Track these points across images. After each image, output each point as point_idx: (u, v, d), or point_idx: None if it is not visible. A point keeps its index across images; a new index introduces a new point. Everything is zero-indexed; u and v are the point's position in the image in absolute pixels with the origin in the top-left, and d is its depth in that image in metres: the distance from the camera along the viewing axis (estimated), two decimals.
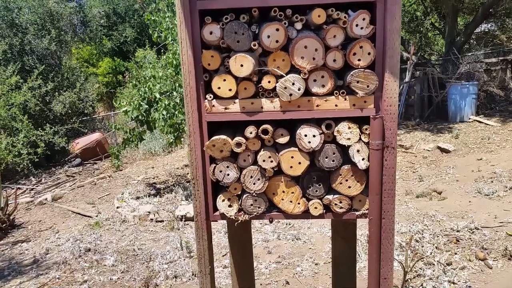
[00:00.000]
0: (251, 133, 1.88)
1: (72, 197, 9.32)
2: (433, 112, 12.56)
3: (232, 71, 1.79)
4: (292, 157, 1.91)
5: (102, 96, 21.09)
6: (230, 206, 2.02)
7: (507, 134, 9.92)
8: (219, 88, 1.84)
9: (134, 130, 7.40)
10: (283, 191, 1.98)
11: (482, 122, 11.17)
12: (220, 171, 1.95)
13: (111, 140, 14.99)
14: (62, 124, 12.45)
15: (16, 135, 10.83)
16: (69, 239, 6.37)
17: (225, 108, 1.89)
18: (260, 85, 1.86)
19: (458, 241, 4.88)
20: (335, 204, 1.98)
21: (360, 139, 1.89)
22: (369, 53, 1.78)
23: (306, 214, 2.00)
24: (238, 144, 1.90)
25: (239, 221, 2.01)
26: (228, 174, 1.95)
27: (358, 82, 1.81)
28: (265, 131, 1.89)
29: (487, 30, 17.43)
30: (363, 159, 1.89)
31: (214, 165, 1.94)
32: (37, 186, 10.65)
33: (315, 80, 1.83)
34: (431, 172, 8.27)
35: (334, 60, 1.81)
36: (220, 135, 1.89)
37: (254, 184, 1.95)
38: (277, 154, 1.92)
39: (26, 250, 6.29)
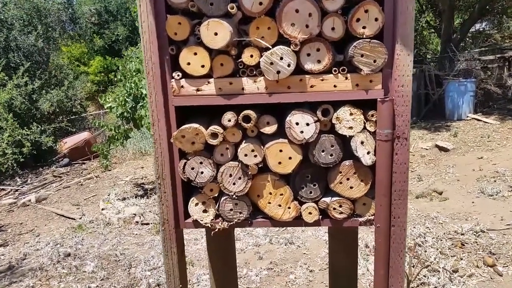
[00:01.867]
0: (229, 120, 1.51)
1: (57, 198, 8.95)
2: (430, 110, 12.27)
3: (205, 42, 1.42)
4: (280, 150, 1.54)
5: (94, 95, 20.67)
6: (205, 211, 1.65)
7: (507, 132, 9.65)
8: (188, 64, 1.47)
9: (119, 128, 7.00)
10: (270, 193, 1.61)
11: (481, 120, 10.90)
12: (192, 169, 1.57)
13: (101, 139, 14.58)
14: (49, 123, 12.04)
15: (1, 134, 10.43)
16: (49, 243, 6.01)
17: (197, 90, 1.52)
18: (240, 60, 1.49)
19: (464, 245, 4.54)
20: (334, 209, 1.62)
21: (364, 128, 1.53)
22: (376, 19, 1.42)
23: (298, 221, 1.63)
24: (214, 135, 1.53)
25: (217, 230, 1.64)
26: (201, 172, 1.58)
27: (362, 56, 1.45)
28: (247, 119, 1.52)
29: (481, 29, 17.31)
30: (368, 153, 1.53)
31: (185, 161, 1.57)
32: (22, 187, 10.24)
33: (308, 54, 1.47)
34: (430, 172, 7.95)
35: (333, 29, 1.44)
36: (191, 124, 1.52)
37: (234, 184, 1.58)
38: (262, 147, 1.55)
39: (2, 255, 5.92)
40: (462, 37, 14.18)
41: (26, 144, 10.56)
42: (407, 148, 1.51)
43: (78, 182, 10.06)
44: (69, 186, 9.81)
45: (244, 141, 1.56)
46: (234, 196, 1.58)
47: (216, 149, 1.57)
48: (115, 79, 7.01)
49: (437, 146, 9.23)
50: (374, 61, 1.46)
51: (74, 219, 7.17)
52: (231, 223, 1.63)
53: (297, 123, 1.51)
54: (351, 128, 1.52)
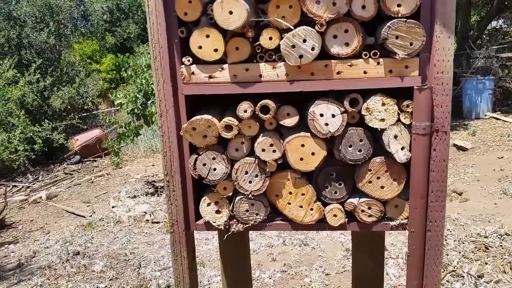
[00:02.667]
0: (245, 111, 1.35)
1: (67, 195, 8.92)
2: None
3: (218, 22, 1.25)
4: (302, 145, 1.37)
5: (105, 93, 20.72)
6: (218, 212, 1.49)
7: None
8: (200, 47, 1.31)
9: (130, 125, 6.90)
10: (290, 193, 1.44)
11: (500, 119, 10.56)
12: (204, 165, 1.42)
13: (112, 137, 14.57)
14: (61, 120, 12.04)
15: (13, 131, 10.45)
16: (58, 240, 5.96)
17: (209, 77, 1.36)
18: (257, 43, 1.32)
19: (488, 248, 4.31)
20: (362, 211, 1.44)
21: (398, 120, 1.35)
22: None
23: (321, 224, 1.46)
24: (228, 127, 1.37)
25: (230, 233, 1.48)
26: (214, 169, 1.42)
27: (397, 38, 1.27)
28: (265, 109, 1.36)
29: (498, 26, 16.90)
30: (402, 149, 1.35)
31: (196, 156, 1.42)
32: (33, 184, 10.25)
33: (335, 36, 1.29)
34: (448, 171, 7.68)
35: (363, 7, 1.27)
36: (202, 115, 1.36)
37: (250, 182, 1.42)
38: (281, 141, 1.38)
39: (12, 252, 5.89)
40: (479, 34, 13.81)
41: (37, 141, 10.56)
42: (447, 144, 1.33)
43: (89, 180, 10.03)
44: (80, 184, 9.78)
45: (261, 134, 1.39)
46: (250, 195, 1.42)
47: (230, 144, 1.41)
48: (126, 75, 6.90)
49: (455, 145, 8.94)
50: (411, 44, 1.28)
51: (84, 216, 7.12)
52: (247, 225, 1.47)
53: (321, 115, 1.34)
54: (383, 120, 1.34)
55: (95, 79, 17.39)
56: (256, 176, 1.42)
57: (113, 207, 7.43)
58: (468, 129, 9.97)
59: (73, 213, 7.49)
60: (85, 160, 12.51)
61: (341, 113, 1.34)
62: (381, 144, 1.39)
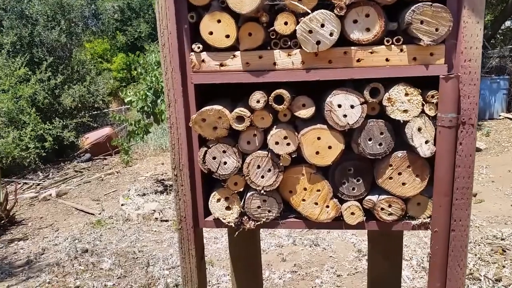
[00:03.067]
0: (258, 101, 1.27)
1: (77, 193, 8.94)
2: None
3: (231, 6, 1.18)
4: (318, 138, 1.29)
5: (116, 92, 20.80)
6: (228, 208, 1.41)
7: None
8: (211, 33, 1.24)
9: (139, 122, 6.86)
10: (305, 189, 1.36)
11: None
12: (214, 158, 1.34)
13: (122, 135, 14.61)
14: (71, 118, 12.09)
15: (24, 128, 10.51)
16: (67, 238, 5.95)
17: (221, 65, 1.28)
18: (272, 29, 1.24)
19: (505, 251, 4.17)
20: (382, 209, 1.35)
21: (422, 111, 1.26)
22: None
23: (337, 223, 1.38)
24: (240, 119, 1.29)
25: (241, 230, 1.41)
26: (224, 163, 1.34)
27: (422, 22, 1.18)
28: (279, 99, 1.28)
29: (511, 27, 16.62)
30: (426, 142, 1.26)
31: (205, 149, 1.34)
32: (43, 182, 10.30)
33: (355, 21, 1.21)
34: None
35: None
36: (213, 106, 1.29)
37: (262, 177, 1.34)
38: (296, 134, 1.30)
39: (22, 249, 5.90)
40: (493, 34, 13.54)
41: (48, 139, 10.60)
42: (474, 137, 1.24)
43: (98, 178, 10.04)
44: (90, 181, 9.80)
45: (275, 126, 1.31)
46: (262, 191, 1.34)
47: (242, 136, 1.33)
48: (136, 73, 6.87)
49: None
50: (436, 30, 1.19)
51: (93, 214, 7.11)
52: (259, 222, 1.39)
53: (339, 105, 1.26)
54: (405, 111, 1.25)
55: (106, 78, 17.48)
56: (269, 170, 1.34)
57: (122, 205, 7.41)
58: (482, 130, 9.77)
59: (82, 211, 7.48)
60: (95, 158, 12.55)
61: (361, 104, 1.26)
62: (403, 138, 1.30)
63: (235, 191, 1.39)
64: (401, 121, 1.26)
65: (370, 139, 1.30)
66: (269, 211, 1.39)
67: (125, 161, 9.90)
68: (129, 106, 7.83)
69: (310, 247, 4.70)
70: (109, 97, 17.22)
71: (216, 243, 5.13)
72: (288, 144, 1.30)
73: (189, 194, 1.37)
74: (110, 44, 21.41)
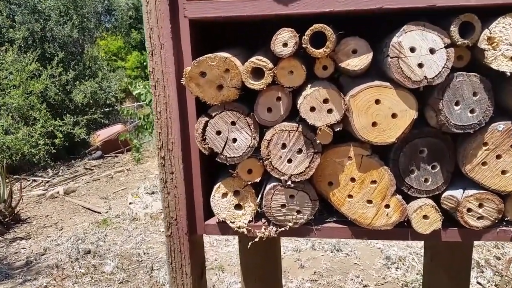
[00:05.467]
0: (285, 44, 0.83)
1: (85, 191, 8.70)
2: None
3: None
4: (377, 101, 0.84)
5: (130, 89, 20.66)
6: (238, 207, 0.97)
7: None
8: None
9: (148, 116, 6.52)
10: (353, 179, 0.91)
11: None
12: (218, 133, 0.90)
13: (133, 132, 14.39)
14: (83, 115, 11.89)
15: (34, 124, 10.33)
16: (70, 238, 5.67)
17: None
18: None
19: None
20: (469, 210, 0.89)
21: None
22: None
23: (401, 231, 0.92)
24: (257, 72, 0.86)
25: (257, 239, 0.96)
26: (234, 140, 0.91)
27: None
28: (319, 40, 0.83)
29: None
30: None
31: (206, 119, 0.90)
32: (53, 179, 10.09)
33: None
34: None
35: None
36: (217, 53, 0.85)
37: (290, 161, 0.90)
38: (342, 95, 0.85)
39: (23, 249, 5.64)
40: None
41: (58, 135, 10.42)
42: None
43: (108, 175, 9.79)
44: (99, 179, 9.56)
45: (309, 85, 0.87)
46: (289, 182, 0.90)
47: (260, 100, 0.89)
48: (147, 69, 6.54)
49: None
50: None
51: (100, 213, 6.86)
52: (283, 229, 0.95)
53: (412, 49, 0.81)
54: None
55: (120, 75, 17.30)
56: (299, 151, 0.89)
57: (130, 203, 7.16)
58: None
59: (89, 209, 7.26)
60: (107, 155, 12.35)
61: (445, 47, 0.80)
62: (504, 102, 0.84)
63: (249, 182, 0.95)
64: (508, 74, 0.81)
65: (457, 103, 0.84)
66: (298, 212, 0.94)
67: (136, 158, 9.68)
68: (141, 103, 7.51)
69: (331, 252, 4.24)
70: (121, 94, 17.03)
71: (227, 246, 4.71)
72: (329, 111, 0.85)
73: (182, 186, 0.93)
74: (124, 41, 21.26)
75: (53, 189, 8.93)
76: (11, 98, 10.64)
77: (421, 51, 0.81)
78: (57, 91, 11.77)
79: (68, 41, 13.03)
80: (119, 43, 21.17)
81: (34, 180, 9.95)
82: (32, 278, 4.54)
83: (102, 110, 13.39)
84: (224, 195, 0.97)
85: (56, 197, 8.35)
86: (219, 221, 0.99)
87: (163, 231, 5.82)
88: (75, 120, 11.46)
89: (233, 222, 0.97)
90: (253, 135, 0.91)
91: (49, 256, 5.17)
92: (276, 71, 0.86)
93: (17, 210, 7.06)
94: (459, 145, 0.90)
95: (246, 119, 0.90)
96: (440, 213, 0.90)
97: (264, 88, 0.87)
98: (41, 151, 10.38)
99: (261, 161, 0.92)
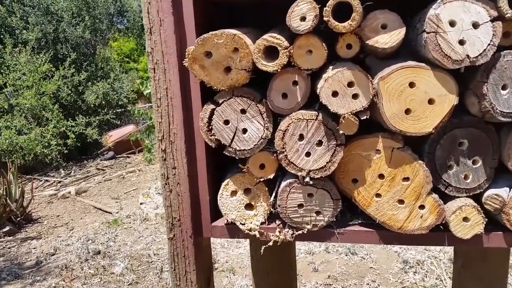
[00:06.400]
0: (303, 18, 0.72)
1: (97, 191, 8.71)
2: None
3: None
4: (411, 84, 0.72)
5: (142, 91, 20.74)
6: (249, 207, 0.86)
7: None
8: None
9: None
10: (382, 176, 0.79)
11: None
12: (226, 123, 0.79)
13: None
14: (95, 116, 11.96)
15: (47, 125, 10.43)
16: (80, 238, 5.64)
17: None
18: None
19: None
20: None
21: None
22: None
23: (435, 235, 0.80)
24: (271, 51, 0.74)
25: (270, 243, 0.85)
26: (244, 131, 0.79)
27: None
28: (343, 10, 0.71)
29: None
30: None
31: (212, 107, 0.79)
32: (65, 179, 10.14)
33: None
34: None
35: None
36: (225, 29, 0.74)
37: (308, 155, 0.78)
38: (369, 77, 0.73)
39: (34, 248, 5.64)
40: None
41: (70, 136, 10.50)
42: None
43: (120, 175, 9.80)
44: (111, 179, 9.58)
45: (331, 66, 0.75)
46: (307, 178, 0.78)
47: (274, 84, 0.78)
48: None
49: None
50: None
51: (110, 213, 6.84)
52: (300, 231, 0.83)
53: (451, 23, 0.68)
54: None
55: (132, 77, 17.39)
56: (319, 143, 0.78)
57: (141, 203, 7.14)
58: None
59: (100, 209, 7.26)
60: (119, 156, 12.40)
61: (491, 21, 0.68)
62: None
63: (262, 179, 0.83)
64: None
65: (504, 87, 0.72)
66: (317, 213, 0.83)
67: (147, 159, 9.69)
68: (151, 104, 7.48)
69: (346, 255, 4.09)
70: (133, 95, 17.10)
71: (239, 247, 4.60)
72: (354, 96, 0.73)
73: (186, 182, 0.82)
74: (137, 43, 21.39)
75: (64, 189, 8.97)
76: (24, 98, 10.77)
77: (462, 25, 0.69)
78: (70, 91, 11.87)
79: (80, 42, 13.14)
80: (132, 44, 21.26)
81: (47, 180, 10.01)
82: (42, 279, 4.51)
83: (114, 111, 13.46)
84: (233, 193, 0.85)
85: (68, 197, 8.38)
86: (227, 222, 0.87)
87: None
88: (87, 120, 11.55)
89: (244, 224, 0.86)
90: (265, 125, 0.79)
91: (59, 257, 5.14)
92: (292, 51, 0.74)
93: (29, 210, 7.10)
94: (505, 136, 0.78)
95: (257, 107, 0.79)
96: (483, 215, 0.78)
97: (279, 70, 0.75)
98: (53, 152, 10.47)
99: (275, 154, 0.81)
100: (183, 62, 0.76)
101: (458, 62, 0.70)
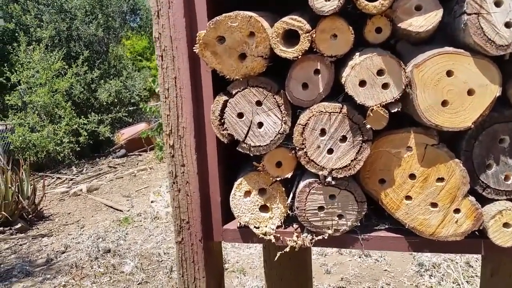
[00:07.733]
0: None
1: (108, 189, 8.75)
2: None
3: None
4: (449, 72, 0.64)
5: (155, 90, 20.83)
6: (264, 208, 0.79)
7: None
8: None
9: None
10: (413, 176, 0.71)
11: None
12: (240, 116, 0.72)
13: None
14: (107, 114, 12.05)
15: (59, 122, 10.53)
16: (91, 236, 5.65)
17: None
18: None
19: None
20: None
21: None
22: None
23: (473, 242, 0.71)
24: (291, 36, 0.67)
25: (287, 249, 0.77)
26: (259, 124, 0.72)
27: None
28: None
29: None
30: None
31: (225, 98, 0.72)
32: (77, 176, 10.21)
33: None
34: None
35: None
36: (240, 11, 0.67)
37: (330, 152, 0.70)
38: (402, 64, 0.65)
39: (45, 246, 5.68)
40: None
41: (83, 134, 10.60)
42: None
43: (131, 173, 9.84)
44: (122, 177, 9.62)
45: (357, 52, 0.67)
46: (329, 178, 0.70)
47: (293, 72, 0.70)
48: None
49: None
50: None
51: (121, 211, 6.86)
52: (320, 237, 0.75)
53: (497, 3, 0.60)
54: None
55: (145, 75, 17.47)
56: (343, 139, 0.70)
57: (152, 202, 7.13)
58: None
59: (111, 207, 7.28)
60: (131, 154, 12.47)
61: None
62: None
63: (278, 178, 0.76)
64: None
65: None
66: (340, 217, 0.75)
67: (159, 157, 9.71)
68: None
69: (360, 257, 4.00)
70: (146, 92, 17.17)
71: (250, 247, 4.55)
72: (385, 85, 0.65)
73: (195, 181, 0.75)
74: (149, 41, 21.50)
75: (76, 187, 9.02)
76: (37, 96, 10.89)
77: (510, 4, 0.61)
78: (82, 89, 11.98)
79: (93, 40, 13.25)
80: (144, 43, 21.36)
81: (59, 178, 10.09)
82: (52, 277, 4.52)
83: (126, 109, 13.54)
84: (247, 193, 0.78)
85: (79, 195, 8.43)
86: (240, 225, 0.80)
87: None
88: (99, 118, 11.64)
89: (258, 228, 0.78)
90: (283, 119, 0.72)
91: (69, 255, 5.15)
92: (314, 35, 0.67)
93: (40, 207, 7.14)
94: None
95: (275, 98, 0.71)
96: None
97: (299, 57, 0.68)
98: (65, 149, 10.58)
99: (293, 151, 0.73)
100: (193, 48, 0.69)
101: (504, 47, 0.61)
